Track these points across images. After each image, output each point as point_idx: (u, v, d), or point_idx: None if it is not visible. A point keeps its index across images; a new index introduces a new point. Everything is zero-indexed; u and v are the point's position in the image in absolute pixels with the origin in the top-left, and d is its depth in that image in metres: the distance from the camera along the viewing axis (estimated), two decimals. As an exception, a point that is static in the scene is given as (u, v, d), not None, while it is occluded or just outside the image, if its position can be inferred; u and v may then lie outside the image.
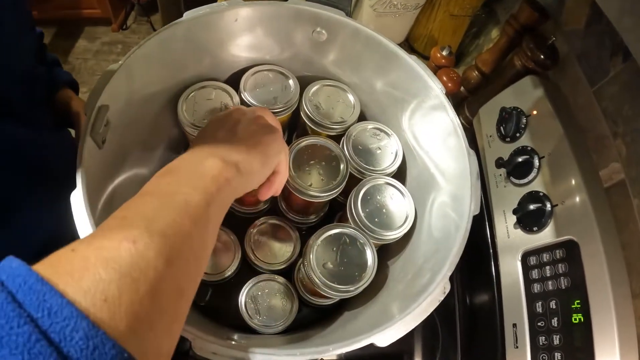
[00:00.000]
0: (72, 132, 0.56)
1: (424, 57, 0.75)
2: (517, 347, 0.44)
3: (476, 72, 0.66)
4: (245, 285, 0.45)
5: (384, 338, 0.31)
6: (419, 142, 0.47)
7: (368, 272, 0.40)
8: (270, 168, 0.34)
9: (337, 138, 0.47)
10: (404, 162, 0.48)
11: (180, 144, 0.51)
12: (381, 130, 0.48)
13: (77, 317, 0.15)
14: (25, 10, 0.43)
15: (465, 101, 0.69)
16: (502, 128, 0.54)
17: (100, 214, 0.32)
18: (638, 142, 0.40)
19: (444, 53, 0.67)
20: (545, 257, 0.43)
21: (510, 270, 0.47)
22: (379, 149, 0.47)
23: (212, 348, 0.28)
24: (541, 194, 0.46)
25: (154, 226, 0.21)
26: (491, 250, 0.52)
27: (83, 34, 1.88)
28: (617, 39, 0.42)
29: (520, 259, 0.46)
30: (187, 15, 0.40)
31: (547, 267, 0.43)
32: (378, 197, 0.44)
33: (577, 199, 0.42)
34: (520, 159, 0.49)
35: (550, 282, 0.42)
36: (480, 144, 0.59)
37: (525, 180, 0.48)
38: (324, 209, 0.53)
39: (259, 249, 0.47)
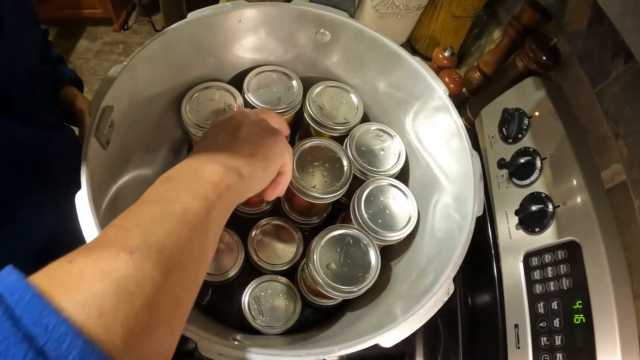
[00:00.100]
0: (76, 129, 0.56)
1: (426, 58, 0.75)
2: (519, 348, 0.44)
3: (478, 73, 0.66)
4: (249, 286, 0.45)
5: (389, 339, 0.31)
6: (422, 144, 0.47)
7: (371, 273, 0.40)
8: (274, 171, 0.34)
9: (340, 139, 0.47)
10: (407, 163, 0.48)
11: (184, 145, 0.51)
12: (384, 132, 0.49)
13: (72, 335, 0.16)
14: (27, 9, 0.43)
15: (467, 102, 0.69)
16: (504, 129, 0.54)
17: (104, 215, 0.32)
18: (639, 143, 0.40)
19: (446, 54, 0.67)
20: (547, 258, 0.44)
21: (512, 271, 0.47)
22: (382, 150, 0.48)
23: (217, 349, 0.28)
24: (543, 195, 0.46)
25: (152, 236, 0.21)
26: (493, 251, 0.52)
27: (84, 34, 1.88)
28: (618, 40, 0.43)
29: (522, 259, 0.47)
30: (191, 16, 0.40)
31: (549, 268, 0.43)
32: (381, 198, 0.44)
33: (579, 200, 0.42)
34: (522, 160, 0.50)
35: (552, 283, 0.42)
36: (482, 145, 0.59)
37: (527, 182, 0.49)
38: (327, 210, 0.53)
39: (262, 250, 0.48)
